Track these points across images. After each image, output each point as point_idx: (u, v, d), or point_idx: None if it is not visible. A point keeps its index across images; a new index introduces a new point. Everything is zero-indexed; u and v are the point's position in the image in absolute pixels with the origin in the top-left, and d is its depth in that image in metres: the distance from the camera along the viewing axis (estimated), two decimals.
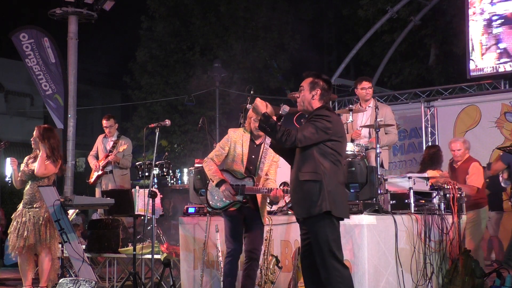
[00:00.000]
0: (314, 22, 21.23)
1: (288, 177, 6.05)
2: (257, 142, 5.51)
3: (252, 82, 16.89)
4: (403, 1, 14.02)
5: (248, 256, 5.40)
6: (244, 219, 5.43)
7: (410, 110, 11.85)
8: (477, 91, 11.68)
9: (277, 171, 5.54)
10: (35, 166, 6.45)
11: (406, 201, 5.90)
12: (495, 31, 11.02)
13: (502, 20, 10.96)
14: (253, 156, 5.45)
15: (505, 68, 10.86)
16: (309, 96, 4.54)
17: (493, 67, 11.00)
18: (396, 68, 17.71)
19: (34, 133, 6.60)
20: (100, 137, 8.67)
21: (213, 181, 5.39)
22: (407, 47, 17.12)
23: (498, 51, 10.98)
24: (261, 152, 5.46)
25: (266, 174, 5.48)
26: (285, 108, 4.54)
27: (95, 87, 26.75)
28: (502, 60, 10.93)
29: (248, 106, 6.41)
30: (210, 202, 5.47)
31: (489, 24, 11.07)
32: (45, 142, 6.51)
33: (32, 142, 6.61)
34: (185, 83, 17.92)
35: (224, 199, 5.35)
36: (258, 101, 4.73)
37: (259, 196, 5.39)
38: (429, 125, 11.27)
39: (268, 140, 5.29)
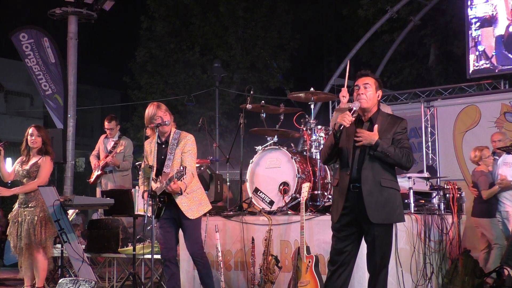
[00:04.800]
0: (314, 22, 21.21)
1: (288, 176, 6.11)
2: (163, 139, 5.41)
3: (252, 82, 16.91)
4: (403, 1, 14.02)
5: (192, 258, 5.44)
6: (179, 220, 5.34)
7: (410, 110, 11.83)
8: (476, 91, 11.69)
9: (193, 160, 5.33)
10: (41, 175, 6.29)
11: (406, 201, 5.89)
12: (474, 33, 11.17)
13: (480, 23, 11.12)
14: (162, 157, 5.35)
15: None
16: (375, 95, 4.50)
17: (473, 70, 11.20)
18: (396, 68, 17.70)
19: (37, 132, 6.36)
20: (102, 137, 8.65)
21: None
22: (407, 47, 17.11)
23: (477, 53, 11.13)
24: (167, 149, 5.34)
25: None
26: (355, 105, 4.35)
27: (95, 87, 26.76)
28: (480, 62, 11.09)
29: (248, 106, 6.43)
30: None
31: (468, 26, 11.24)
32: (48, 143, 6.45)
33: (32, 141, 6.37)
34: (185, 83, 17.92)
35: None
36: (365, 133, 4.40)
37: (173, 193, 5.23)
38: (429, 125, 11.27)
39: (175, 134, 5.32)
